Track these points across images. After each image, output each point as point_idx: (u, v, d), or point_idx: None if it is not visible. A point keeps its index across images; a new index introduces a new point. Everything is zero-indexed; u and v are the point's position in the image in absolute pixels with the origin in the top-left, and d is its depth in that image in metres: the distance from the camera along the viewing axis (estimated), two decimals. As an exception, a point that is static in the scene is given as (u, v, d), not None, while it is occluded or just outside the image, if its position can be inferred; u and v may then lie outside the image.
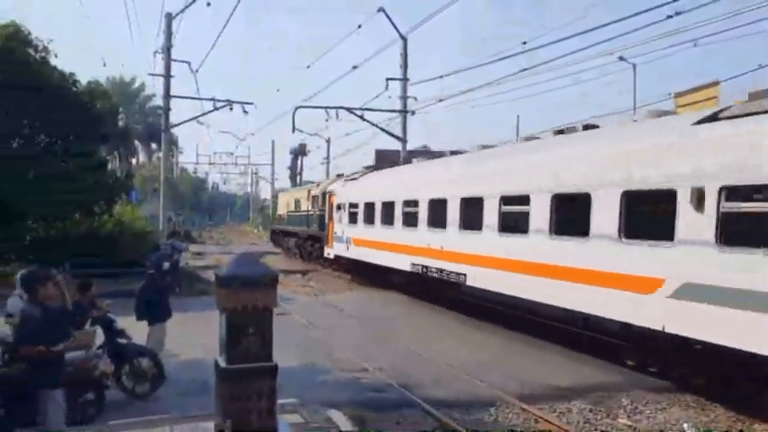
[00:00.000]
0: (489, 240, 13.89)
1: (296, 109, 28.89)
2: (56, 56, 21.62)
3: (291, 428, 6.86)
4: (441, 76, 25.85)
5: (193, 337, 12.74)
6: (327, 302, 19.50)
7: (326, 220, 27.98)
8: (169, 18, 26.42)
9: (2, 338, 7.90)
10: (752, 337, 7.91)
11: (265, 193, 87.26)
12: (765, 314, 7.71)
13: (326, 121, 30.77)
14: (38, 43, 21.05)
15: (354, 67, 28.09)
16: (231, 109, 27.60)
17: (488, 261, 13.95)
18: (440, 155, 20.43)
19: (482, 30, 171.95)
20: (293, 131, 29.16)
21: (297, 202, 37.43)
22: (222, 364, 5.78)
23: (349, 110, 29.20)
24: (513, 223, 13.12)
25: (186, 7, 25.49)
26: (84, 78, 23.96)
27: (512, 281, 13.05)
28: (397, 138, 28.98)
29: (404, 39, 27.45)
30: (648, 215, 10.33)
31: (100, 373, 8.21)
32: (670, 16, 14.59)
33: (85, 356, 8.10)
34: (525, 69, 22.06)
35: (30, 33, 20.84)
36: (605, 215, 10.37)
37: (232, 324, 5.71)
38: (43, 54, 21.16)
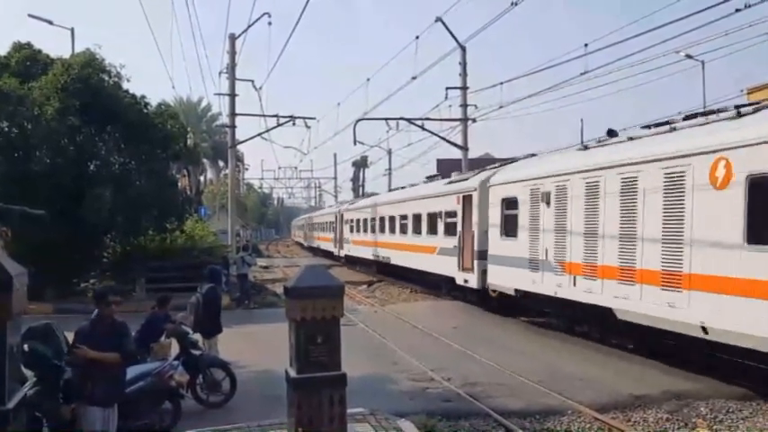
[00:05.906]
0: (397, 238, 26.92)
1: (356, 122, 29.21)
2: (128, 80, 22.33)
3: (361, 437, 6.93)
4: (501, 83, 25.58)
5: (263, 347, 13.06)
6: (392, 312, 19.54)
7: (340, 232, 40.51)
8: (233, 39, 27.18)
9: None
10: (447, 268, 20.42)
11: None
12: (448, 257, 20.18)
13: (387, 132, 31.05)
14: (111, 69, 21.81)
15: (414, 78, 28.09)
16: (294, 124, 27.97)
17: (397, 248, 26.88)
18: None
19: (548, 36, 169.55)
20: (354, 144, 29.47)
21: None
22: (293, 373, 5.90)
23: (409, 120, 29.26)
24: (404, 228, 26.12)
25: (249, 27, 26.14)
26: (154, 101, 24.69)
27: (405, 258, 25.88)
28: (458, 146, 28.84)
29: (462, 48, 27.38)
30: (434, 223, 22.08)
31: (176, 384, 8.47)
32: (738, 9, 13.98)
33: (162, 367, 8.39)
34: (586, 72, 21.47)
35: (104, 60, 21.61)
36: (424, 224, 23.26)
37: (301, 334, 5.84)
38: (116, 79, 21.91)
